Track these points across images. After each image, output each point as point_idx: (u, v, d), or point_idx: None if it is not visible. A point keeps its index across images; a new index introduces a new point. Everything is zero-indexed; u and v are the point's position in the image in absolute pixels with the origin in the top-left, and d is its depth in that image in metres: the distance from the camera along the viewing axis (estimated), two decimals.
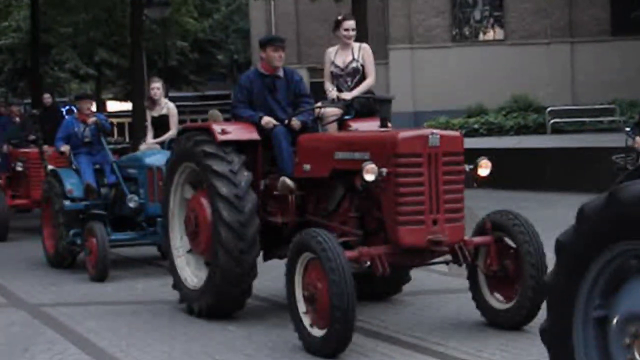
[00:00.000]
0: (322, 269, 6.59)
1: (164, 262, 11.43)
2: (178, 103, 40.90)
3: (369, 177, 6.81)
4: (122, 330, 7.85)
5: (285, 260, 8.13)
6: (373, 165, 6.80)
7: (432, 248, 6.99)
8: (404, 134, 7.02)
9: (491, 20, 37.35)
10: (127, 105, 39.28)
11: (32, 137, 14.12)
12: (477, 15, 37.19)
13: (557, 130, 31.23)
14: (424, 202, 6.90)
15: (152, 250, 11.77)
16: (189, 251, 8.59)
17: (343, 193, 7.55)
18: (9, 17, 35.64)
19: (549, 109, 31.88)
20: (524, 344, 6.84)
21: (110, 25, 34.82)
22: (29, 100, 30.38)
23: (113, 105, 51.02)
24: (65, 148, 11.50)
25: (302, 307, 6.91)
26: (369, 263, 6.96)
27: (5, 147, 15.57)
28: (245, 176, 7.78)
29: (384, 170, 6.81)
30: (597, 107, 32.19)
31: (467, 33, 37.26)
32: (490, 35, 37.50)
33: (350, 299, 6.45)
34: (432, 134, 6.99)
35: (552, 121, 31.66)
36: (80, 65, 39.04)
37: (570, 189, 17.44)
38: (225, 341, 7.36)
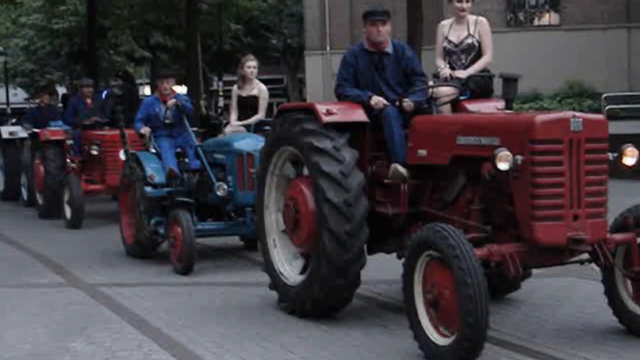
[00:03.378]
0: (449, 270, 5.63)
1: (243, 252, 10.70)
2: (232, 87, 40.12)
3: (503, 165, 5.80)
4: (177, 311, 7.70)
5: (389, 255, 7.29)
6: (507, 153, 5.79)
7: (572, 247, 5.96)
8: (542, 117, 5.97)
9: (546, 5, 35.98)
10: (182, 89, 38.53)
11: (119, 110, 12.60)
12: (532, 0, 35.83)
13: (613, 116, 29.95)
14: (564, 194, 5.87)
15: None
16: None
17: (464, 182, 6.52)
18: (67, 1, 35.04)
19: (604, 95, 30.76)
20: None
21: (165, 9, 34.12)
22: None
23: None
24: (145, 130, 10.43)
25: (422, 311, 5.97)
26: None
27: (77, 130, 14.35)
28: (350, 152, 6.80)
29: (520, 158, 5.80)
30: None
31: (521, 18, 35.93)
32: (545, 20, 36.13)
33: (483, 304, 5.49)
34: (574, 117, 5.94)
35: (607, 107, 30.47)
36: (135, 49, 38.37)
37: (625, 177, 16.36)
38: (278, 322, 7.16)
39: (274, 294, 7.70)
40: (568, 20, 34.69)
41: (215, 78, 37.18)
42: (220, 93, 29.16)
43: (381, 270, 7.96)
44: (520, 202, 5.94)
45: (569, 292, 7.98)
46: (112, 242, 11.57)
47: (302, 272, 7.46)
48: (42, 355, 6.51)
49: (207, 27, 34.03)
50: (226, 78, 33.20)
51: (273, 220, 7.71)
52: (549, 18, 36.06)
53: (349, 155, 6.79)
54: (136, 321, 7.41)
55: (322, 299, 6.97)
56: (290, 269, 7.55)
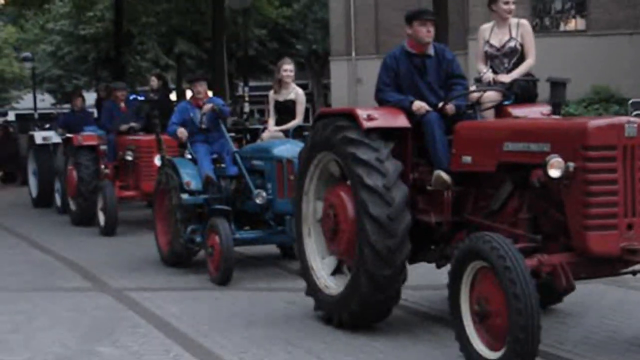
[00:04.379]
0: (498, 281, 5.39)
1: (274, 259, 10.50)
2: (257, 93, 39.87)
3: (555, 172, 5.55)
4: (203, 316, 7.71)
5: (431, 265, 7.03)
6: (560, 160, 5.54)
7: (626, 257, 5.68)
8: (595, 122, 5.71)
9: (572, 10, 35.52)
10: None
11: (155, 115, 12.23)
12: (558, 5, 35.37)
13: None
14: (618, 203, 5.59)
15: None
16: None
17: (511, 190, 6.26)
18: (94, 7, 35.00)
19: (631, 101, 30.19)
20: None
21: (191, 15, 34.02)
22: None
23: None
24: (182, 132, 10.06)
25: (469, 323, 5.73)
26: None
27: (111, 135, 14.02)
28: (393, 164, 6.55)
29: (572, 165, 5.54)
30: None
31: (547, 23, 35.46)
32: (571, 25, 35.63)
33: (535, 316, 5.26)
34: (629, 122, 5.67)
35: (634, 113, 29.89)
36: (160, 56, 38.30)
37: None
38: (304, 328, 7.14)
39: (300, 300, 7.62)
40: (594, 26, 34.19)
41: (241, 83, 37.04)
42: (246, 98, 28.92)
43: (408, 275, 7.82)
44: (571, 211, 5.68)
45: (596, 299, 7.81)
46: (141, 248, 11.50)
47: (333, 273, 7.30)
48: (70, 359, 6.53)
49: (232, 32, 33.87)
50: (252, 83, 33.02)
51: (311, 208, 7.48)
52: (575, 23, 35.58)
53: (392, 167, 6.54)
54: (163, 326, 7.41)
55: (360, 313, 6.77)
56: (322, 265, 7.36)
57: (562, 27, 35.80)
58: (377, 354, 6.32)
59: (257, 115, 40.38)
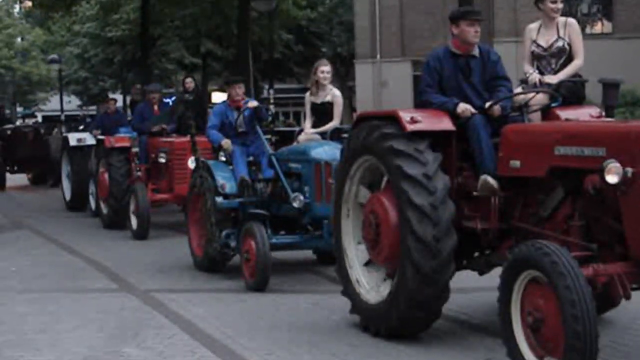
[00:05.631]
0: (552, 289, 5.09)
1: (318, 267, 10.15)
2: (282, 95, 39.64)
3: (612, 178, 5.24)
4: (228, 318, 7.65)
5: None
6: (618, 165, 5.22)
7: None
8: None
9: (599, 13, 35.06)
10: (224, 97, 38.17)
11: (189, 117, 11.80)
12: (584, 8, 34.92)
13: None
14: None
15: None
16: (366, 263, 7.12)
17: (563, 196, 5.94)
18: (120, 9, 34.97)
19: None
20: None
21: (217, 18, 33.89)
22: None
23: (218, 97, 49.96)
24: (227, 143, 9.73)
25: (521, 336, 5.44)
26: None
27: (143, 137, 13.71)
28: (442, 181, 6.25)
29: (630, 170, 5.22)
30: None
31: None
32: (598, 28, 35.20)
33: (592, 325, 4.95)
34: None
35: None
36: (185, 55, 38.19)
37: None
38: (329, 330, 7.08)
39: (325, 302, 7.47)
40: (621, 29, 33.75)
41: (266, 86, 36.91)
42: (271, 101, 28.73)
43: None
44: (629, 219, 5.36)
45: (624, 304, 7.37)
46: (170, 252, 11.36)
47: (366, 264, 7.07)
48: (96, 359, 6.52)
49: (258, 35, 33.70)
50: (276, 86, 32.80)
51: (353, 190, 7.17)
52: (602, 26, 35.15)
53: (441, 184, 6.24)
54: (188, 327, 7.37)
55: (409, 313, 6.42)
56: (356, 252, 7.10)
57: (588, 30, 35.28)
58: (402, 356, 6.22)
59: (281, 118, 40.23)
